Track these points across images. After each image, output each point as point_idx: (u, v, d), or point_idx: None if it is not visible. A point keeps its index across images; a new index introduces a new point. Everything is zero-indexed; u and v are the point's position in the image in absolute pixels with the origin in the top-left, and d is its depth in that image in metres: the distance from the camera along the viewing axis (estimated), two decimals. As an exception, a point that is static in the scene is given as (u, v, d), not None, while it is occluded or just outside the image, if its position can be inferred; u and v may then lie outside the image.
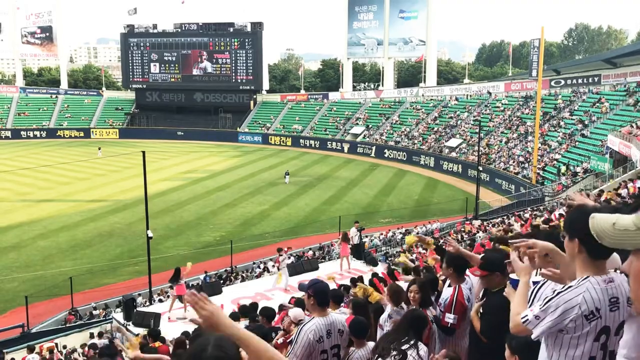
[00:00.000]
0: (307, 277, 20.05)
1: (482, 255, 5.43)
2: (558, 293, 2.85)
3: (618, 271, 2.99)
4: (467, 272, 5.79)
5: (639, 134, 33.84)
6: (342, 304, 7.62)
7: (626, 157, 32.98)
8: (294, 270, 22.44)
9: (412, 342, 4.54)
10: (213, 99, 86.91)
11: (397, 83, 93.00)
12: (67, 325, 22.85)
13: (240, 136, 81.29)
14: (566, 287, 2.87)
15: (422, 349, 4.59)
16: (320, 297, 4.95)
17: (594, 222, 2.28)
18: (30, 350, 16.88)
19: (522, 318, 2.97)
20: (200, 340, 2.34)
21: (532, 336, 2.96)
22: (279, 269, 21.49)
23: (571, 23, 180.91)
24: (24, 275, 28.26)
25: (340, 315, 5.38)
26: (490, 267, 4.77)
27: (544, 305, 2.86)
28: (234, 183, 50.12)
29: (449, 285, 5.87)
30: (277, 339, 6.43)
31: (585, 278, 2.86)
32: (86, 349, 17.21)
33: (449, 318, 5.52)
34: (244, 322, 10.08)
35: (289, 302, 12.22)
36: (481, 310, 4.88)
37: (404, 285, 7.38)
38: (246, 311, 10.96)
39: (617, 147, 34.53)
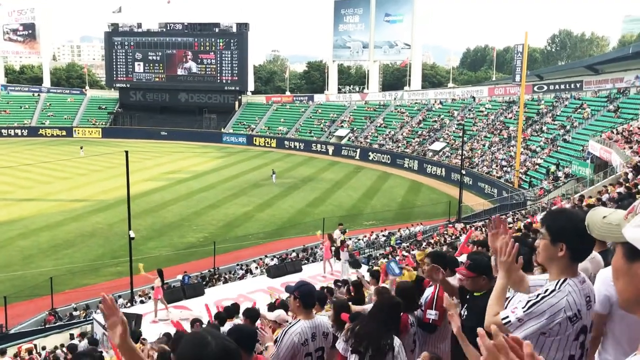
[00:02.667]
0: (290, 279, 20.05)
1: (469, 256, 5.47)
2: (542, 297, 2.86)
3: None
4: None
5: (619, 139, 34.33)
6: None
7: (607, 162, 33.42)
8: (277, 272, 22.42)
9: (388, 341, 4.53)
10: (197, 99, 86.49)
11: (382, 86, 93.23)
12: (47, 326, 22.61)
13: (225, 137, 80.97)
14: (548, 291, 2.88)
15: (397, 343, 4.60)
16: (306, 299, 4.94)
17: (591, 214, 2.34)
18: (2, 353, 16.63)
19: (502, 319, 2.94)
20: (197, 336, 2.17)
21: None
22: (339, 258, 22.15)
23: (554, 29, 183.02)
24: (3, 275, 27.89)
25: (325, 318, 5.39)
26: (477, 269, 4.80)
27: (527, 309, 2.86)
28: (217, 184, 49.92)
29: (430, 285, 5.93)
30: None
31: (564, 281, 2.89)
32: (64, 349, 17.02)
33: (430, 314, 5.57)
34: (230, 324, 10.03)
35: (275, 303, 12.22)
36: (465, 313, 4.92)
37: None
38: (231, 312, 10.92)
39: (598, 152, 35.00)
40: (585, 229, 2.32)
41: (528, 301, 2.90)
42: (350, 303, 7.06)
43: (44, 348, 18.82)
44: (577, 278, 2.93)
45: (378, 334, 4.51)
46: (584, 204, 19.52)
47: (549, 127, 50.95)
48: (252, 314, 8.62)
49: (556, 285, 2.90)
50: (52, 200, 42.87)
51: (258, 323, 8.50)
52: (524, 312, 2.86)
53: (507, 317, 2.93)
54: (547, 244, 2.96)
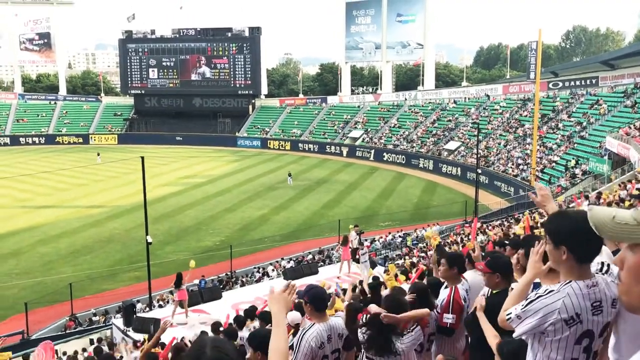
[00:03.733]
0: (307, 281, 20.06)
1: (489, 254, 5.52)
2: (539, 296, 2.88)
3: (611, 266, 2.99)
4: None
5: (637, 135, 33.92)
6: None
7: (624, 158, 33.03)
8: (293, 274, 22.42)
9: (389, 344, 4.51)
10: (212, 104, 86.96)
11: (396, 86, 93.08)
12: (67, 331, 22.84)
13: (239, 141, 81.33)
14: (548, 290, 2.89)
15: (400, 346, 4.59)
16: (317, 302, 4.95)
17: (592, 215, 2.27)
18: (24, 359, 16.82)
19: (507, 314, 3.05)
20: (197, 342, 2.35)
21: (514, 334, 3.04)
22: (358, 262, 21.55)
23: (569, 25, 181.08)
24: (24, 281, 28.24)
25: (340, 319, 5.38)
26: (493, 266, 4.86)
27: (524, 307, 2.91)
28: (233, 188, 50.11)
29: (445, 287, 5.91)
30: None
31: (567, 283, 2.86)
32: (88, 353, 17.17)
33: (447, 318, 5.56)
34: (251, 325, 10.08)
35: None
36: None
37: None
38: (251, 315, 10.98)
39: (615, 148, 34.59)
40: (586, 230, 2.25)
41: (527, 299, 2.96)
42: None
43: (64, 353, 18.98)
44: (585, 281, 2.86)
45: (379, 338, 4.52)
46: (602, 201, 19.31)
47: (565, 124, 50.44)
48: (268, 316, 8.65)
49: (558, 286, 2.89)
50: (70, 207, 43.33)
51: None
52: (521, 309, 2.93)
53: (510, 313, 3.02)
54: (550, 249, 2.95)
